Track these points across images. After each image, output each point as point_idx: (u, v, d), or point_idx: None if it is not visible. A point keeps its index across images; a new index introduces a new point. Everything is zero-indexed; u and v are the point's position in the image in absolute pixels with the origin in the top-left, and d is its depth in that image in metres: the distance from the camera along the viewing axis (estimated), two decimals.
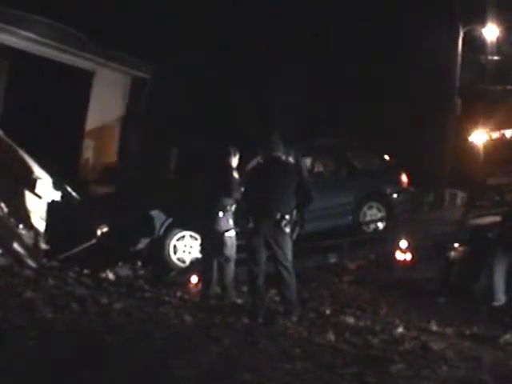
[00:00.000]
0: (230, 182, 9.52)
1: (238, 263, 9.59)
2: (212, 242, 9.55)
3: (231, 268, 9.55)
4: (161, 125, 19.25)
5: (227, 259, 9.49)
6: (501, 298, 9.61)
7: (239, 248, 9.53)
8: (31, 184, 10.54)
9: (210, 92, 22.04)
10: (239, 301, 9.43)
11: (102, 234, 11.59)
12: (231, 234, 9.50)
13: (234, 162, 9.86)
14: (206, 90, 21.86)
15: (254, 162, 10.30)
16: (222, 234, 9.44)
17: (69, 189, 11.72)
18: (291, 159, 10.63)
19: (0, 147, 10.71)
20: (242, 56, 23.90)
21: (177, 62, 20.93)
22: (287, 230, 8.35)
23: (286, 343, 7.24)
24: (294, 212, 8.44)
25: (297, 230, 8.51)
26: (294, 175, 8.63)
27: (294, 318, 8.31)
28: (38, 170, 10.70)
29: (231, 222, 9.51)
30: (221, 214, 9.44)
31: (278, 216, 8.30)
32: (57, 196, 10.80)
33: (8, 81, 17.55)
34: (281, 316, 8.40)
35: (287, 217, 8.33)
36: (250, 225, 8.45)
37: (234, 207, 9.52)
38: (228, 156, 9.82)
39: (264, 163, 9.08)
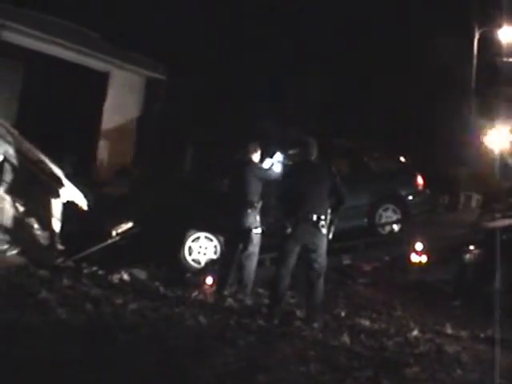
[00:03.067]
0: (256, 178, 9.68)
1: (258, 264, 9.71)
2: (239, 239, 9.63)
3: (253, 266, 9.61)
4: (175, 125, 19.26)
5: (250, 256, 9.54)
6: None
7: (262, 249, 9.66)
8: (46, 184, 10.59)
9: (224, 92, 22.03)
10: (249, 301, 9.38)
11: (129, 229, 11.60)
12: (258, 230, 9.57)
13: (256, 157, 9.98)
14: (221, 90, 21.85)
15: (284, 165, 10.45)
16: (250, 230, 9.52)
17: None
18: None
19: (16, 148, 10.73)
20: (254, 57, 23.85)
21: (191, 61, 20.95)
22: (324, 230, 8.41)
23: (300, 345, 7.24)
24: (329, 212, 8.49)
25: (332, 229, 8.53)
26: (327, 178, 8.65)
27: (316, 325, 8.23)
28: (53, 171, 10.74)
29: (258, 218, 9.58)
30: (249, 210, 9.53)
31: (315, 217, 8.34)
32: (73, 197, 10.84)
33: (23, 82, 17.65)
34: (301, 321, 8.36)
35: (323, 217, 8.38)
36: (288, 230, 8.45)
37: (260, 204, 9.61)
38: (249, 153, 9.92)
39: (298, 167, 9.13)
